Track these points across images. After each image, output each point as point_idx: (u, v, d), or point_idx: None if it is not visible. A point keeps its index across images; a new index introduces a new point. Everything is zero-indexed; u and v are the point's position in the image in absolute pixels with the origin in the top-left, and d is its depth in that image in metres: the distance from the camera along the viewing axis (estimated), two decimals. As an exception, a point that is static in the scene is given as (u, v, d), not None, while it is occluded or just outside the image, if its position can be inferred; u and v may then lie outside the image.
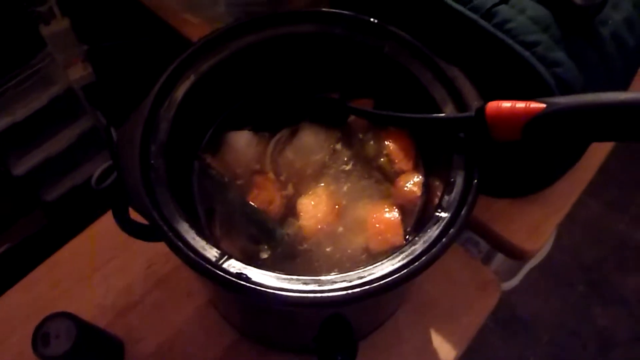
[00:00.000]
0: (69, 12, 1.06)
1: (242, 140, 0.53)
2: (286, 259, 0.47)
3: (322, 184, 0.51)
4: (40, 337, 0.52)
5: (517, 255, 0.71)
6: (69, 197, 1.36)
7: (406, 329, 0.66)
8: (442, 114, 0.48)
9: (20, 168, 1.23)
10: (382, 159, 0.53)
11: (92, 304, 0.66)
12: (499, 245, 0.72)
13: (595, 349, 1.51)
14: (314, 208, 0.48)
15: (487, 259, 1.14)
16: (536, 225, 0.72)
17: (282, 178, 0.52)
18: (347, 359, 0.54)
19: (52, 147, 1.25)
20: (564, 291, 1.60)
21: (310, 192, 0.50)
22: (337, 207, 0.50)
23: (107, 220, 0.72)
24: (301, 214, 0.49)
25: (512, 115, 0.40)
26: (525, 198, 0.73)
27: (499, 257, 1.14)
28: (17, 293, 0.67)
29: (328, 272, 0.46)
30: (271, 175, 0.52)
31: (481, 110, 0.42)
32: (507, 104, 0.41)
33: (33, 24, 1.03)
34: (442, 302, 0.68)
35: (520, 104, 0.40)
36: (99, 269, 0.69)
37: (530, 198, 0.73)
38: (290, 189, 0.52)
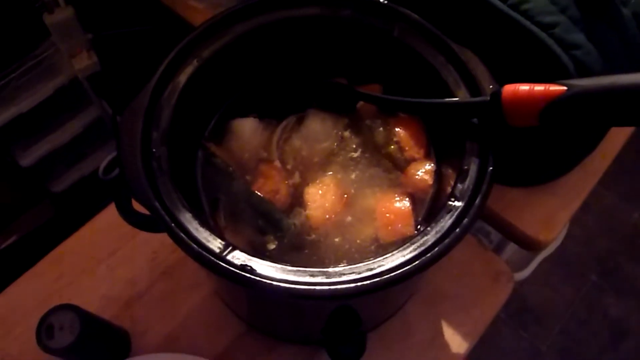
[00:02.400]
0: (73, 1, 1.04)
1: (247, 128, 0.52)
2: (293, 250, 0.46)
3: (330, 173, 0.50)
4: (45, 329, 0.51)
5: (531, 246, 0.69)
6: (77, 188, 1.35)
7: (416, 320, 0.65)
8: (455, 99, 0.46)
9: (28, 159, 1.22)
10: (391, 147, 0.51)
11: (97, 295, 0.66)
12: (511, 235, 0.70)
13: (607, 340, 1.49)
14: (321, 197, 0.47)
15: (498, 249, 1.12)
16: (550, 216, 0.70)
17: (289, 167, 0.51)
18: (355, 351, 0.53)
19: (59, 137, 1.24)
20: (575, 281, 1.58)
21: (317, 181, 0.49)
22: (345, 196, 0.48)
23: (111, 212, 0.71)
24: (308, 203, 0.47)
25: (530, 99, 0.38)
26: (538, 187, 0.72)
27: (510, 248, 1.12)
28: (22, 285, 0.66)
29: (336, 264, 0.45)
30: (277, 163, 0.51)
31: (497, 94, 0.40)
32: (524, 87, 0.39)
33: (37, 13, 1.02)
34: (453, 293, 0.66)
35: (539, 87, 0.38)
36: (104, 260, 0.68)
37: (544, 187, 0.71)
38: (296, 178, 0.50)
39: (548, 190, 0.71)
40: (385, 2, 0.50)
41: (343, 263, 0.45)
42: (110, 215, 0.72)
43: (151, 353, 0.61)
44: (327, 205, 0.47)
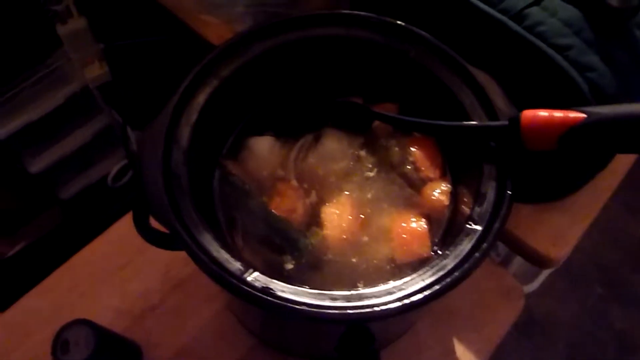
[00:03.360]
0: (86, 11, 1.05)
1: (263, 146, 0.52)
2: (311, 270, 0.46)
3: (346, 192, 0.50)
4: (60, 344, 0.51)
5: (542, 263, 0.69)
6: (85, 195, 1.36)
7: (427, 337, 0.65)
8: (473, 122, 0.46)
9: (37, 166, 1.23)
10: (407, 167, 0.51)
11: (109, 308, 0.66)
12: (522, 252, 0.70)
13: (613, 352, 1.49)
14: (338, 217, 0.47)
15: (505, 262, 1.12)
16: (561, 233, 0.70)
17: (305, 186, 0.51)
18: (369, 370, 0.53)
19: (68, 145, 1.25)
20: (581, 293, 1.57)
21: (334, 201, 0.49)
22: (362, 216, 0.48)
23: (124, 224, 0.72)
24: (325, 223, 0.48)
25: (549, 124, 0.39)
26: (549, 204, 0.72)
27: (517, 260, 1.12)
28: (34, 297, 0.67)
29: (354, 283, 0.45)
30: (294, 182, 0.51)
31: (516, 119, 0.41)
32: (543, 113, 0.39)
33: (49, 23, 1.02)
34: (463, 310, 0.66)
35: (558, 114, 0.39)
36: (116, 273, 0.68)
37: (555, 204, 0.71)
38: (313, 197, 0.50)
39: (559, 207, 0.72)
40: (402, 24, 0.51)
41: (360, 283, 0.45)
42: (122, 227, 0.72)
43: (163, 367, 0.61)
44: (344, 225, 0.47)
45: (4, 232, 1.25)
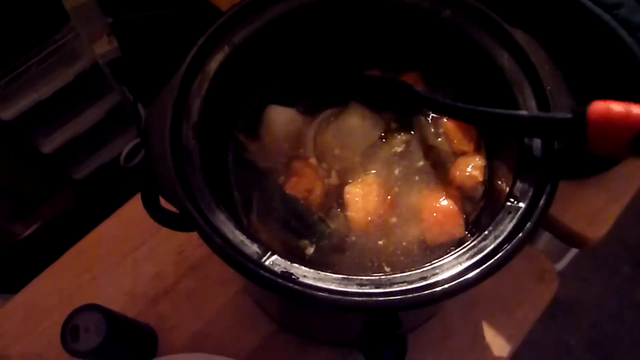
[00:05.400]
0: (92, -16, 1.01)
1: (282, 118, 0.48)
2: (334, 253, 0.43)
3: (373, 171, 0.46)
4: (69, 331, 0.49)
5: (578, 243, 0.65)
6: (98, 175, 1.34)
7: (456, 321, 0.61)
8: (532, 113, 0.39)
9: (49, 146, 1.20)
10: (438, 139, 0.47)
11: (121, 292, 0.63)
12: (556, 231, 0.66)
13: (638, 335, 1.44)
14: (363, 199, 0.43)
15: (531, 241, 1.08)
16: (598, 210, 0.66)
17: (325, 165, 0.47)
18: (397, 356, 0.50)
19: (80, 124, 1.22)
20: (606, 273, 1.52)
21: (359, 180, 0.45)
22: (389, 197, 0.44)
23: (135, 204, 0.69)
24: (349, 204, 0.44)
25: (625, 122, 0.32)
26: (584, 180, 0.67)
27: (544, 239, 1.08)
28: (45, 280, 0.65)
29: (381, 267, 0.42)
30: (313, 160, 0.47)
31: (582, 113, 0.33)
32: (618, 108, 0.32)
33: (56, -3, 0.99)
34: (495, 293, 0.63)
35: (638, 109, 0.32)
36: (128, 255, 0.66)
37: (591, 180, 0.67)
38: (334, 177, 0.46)
39: (595, 184, 0.67)
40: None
41: (388, 267, 0.42)
42: (134, 207, 0.69)
43: (178, 353, 0.59)
44: (369, 207, 0.43)
45: (17, 214, 1.24)
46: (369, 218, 0.43)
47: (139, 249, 0.66)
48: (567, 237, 0.66)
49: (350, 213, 0.43)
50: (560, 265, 1.14)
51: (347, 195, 0.44)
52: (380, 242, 0.43)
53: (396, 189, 0.45)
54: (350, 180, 0.46)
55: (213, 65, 0.44)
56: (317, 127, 0.48)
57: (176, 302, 0.63)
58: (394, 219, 0.44)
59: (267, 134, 0.48)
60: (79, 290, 0.63)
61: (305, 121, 0.49)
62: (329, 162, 0.47)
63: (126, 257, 0.66)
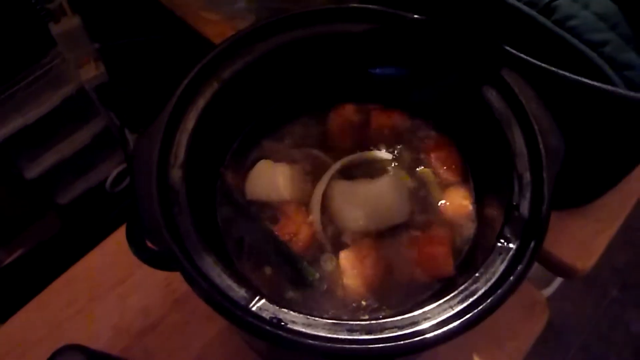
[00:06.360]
0: (80, 9, 1.01)
1: (281, 176, 0.47)
2: (325, 295, 0.42)
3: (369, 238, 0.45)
4: (51, 373, 0.47)
5: (568, 274, 0.65)
6: (83, 200, 1.32)
7: (446, 355, 0.60)
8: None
9: (33, 171, 1.19)
10: (424, 169, 0.47)
11: (107, 326, 0.62)
12: (546, 262, 0.66)
13: (629, 357, 1.44)
14: (360, 264, 0.42)
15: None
16: (586, 242, 0.66)
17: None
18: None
19: (65, 149, 1.21)
20: (596, 296, 1.53)
21: (355, 247, 0.44)
22: (388, 264, 0.44)
23: (121, 235, 0.67)
24: (345, 271, 0.42)
25: None
26: (574, 210, 0.67)
27: (532, 267, 1.08)
28: (28, 314, 0.63)
29: (370, 305, 0.41)
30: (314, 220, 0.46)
31: None
32: None
33: (42, 22, 0.98)
34: (485, 326, 0.61)
35: None
36: (115, 287, 0.64)
37: (579, 210, 0.67)
38: (331, 229, 0.46)
39: (583, 214, 0.67)
40: (419, 17, 0.46)
41: (376, 304, 0.41)
42: (120, 238, 0.67)
43: (164, 391, 0.57)
44: (366, 272, 0.42)
45: (0, 240, 1.21)
46: (365, 283, 0.42)
47: (125, 281, 0.65)
48: (557, 269, 0.66)
49: (346, 280, 0.42)
50: (549, 290, 1.14)
51: (343, 261, 0.43)
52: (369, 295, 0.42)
53: (390, 243, 0.44)
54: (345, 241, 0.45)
55: (202, 101, 0.44)
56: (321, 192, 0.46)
57: (163, 336, 0.61)
58: (385, 271, 0.43)
59: (257, 183, 0.47)
60: (63, 324, 0.61)
61: (299, 177, 0.48)
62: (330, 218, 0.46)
63: (112, 290, 0.64)
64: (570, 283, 1.49)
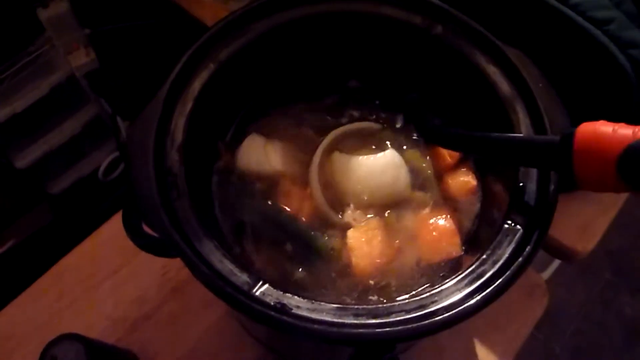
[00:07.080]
0: (68, -7, 0.98)
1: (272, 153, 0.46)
2: (330, 276, 0.41)
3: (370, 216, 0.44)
4: (47, 362, 0.46)
5: (568, 257, 0.65)
6: (75, 189, 1.30)
7: (447, 340, 0.60)
8: (517, 135, 0.39)
9: (24, 161, 1.16)
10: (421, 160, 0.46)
11: (101, 316, 0.61)
12: (547, 245, 0.66)
13: (622, 340, 1.45)
14: (367, 244, 0.41)
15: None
16: (587, 225, 0.66)
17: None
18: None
19: (56, 138, 1.18)
20: (590, 280, 1.54)
21: (362, 224, 0.43)
22: (397, 241, 0.43)
23: (114, 223, 0.66)
24: (353, 250, 0.42)
25: (610, 143, 0.29)
26: (572, 193, 0.67)
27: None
28: (20, 306, 0.61)
29: (376, 287, 0.40)
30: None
31: (569, 136, 0.31)
32: (605, 129, 0.30)
33: (30, 7, 0.95)
34: (486, 310, 0.62)
35: (625, 130, 0.29)
36: (109, 277, 0.63)
37: (579, 194, 0.66)
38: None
39: (584, 196, 0.67)
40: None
41: (382, 282, 0.40)
42: (113, 227, 0.66)
43: (162, 380, 0.56)
44: (374, 252, 0.41)
45: (-9, 231, 1.19)
46: (375, 262, 0.41)
47: (120, 270, 0.63)
48: (557, 251, 0.65)
49: (355, 260, 0.41)
50: (546, 274, 1.14)
51: (351, 240, 0.42)
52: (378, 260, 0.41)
53: (394, 216, 0.44)
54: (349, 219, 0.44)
55: (198, 83, 0.42)
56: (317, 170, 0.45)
57: (159, 326, 0.60)
58: (393, 250, 0.42)
59: (252, 160, 0.46)
60: (56, 316, 0.60)
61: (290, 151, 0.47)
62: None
63: (106, 280, 0.63)
64: (564, 267, 1.50)
